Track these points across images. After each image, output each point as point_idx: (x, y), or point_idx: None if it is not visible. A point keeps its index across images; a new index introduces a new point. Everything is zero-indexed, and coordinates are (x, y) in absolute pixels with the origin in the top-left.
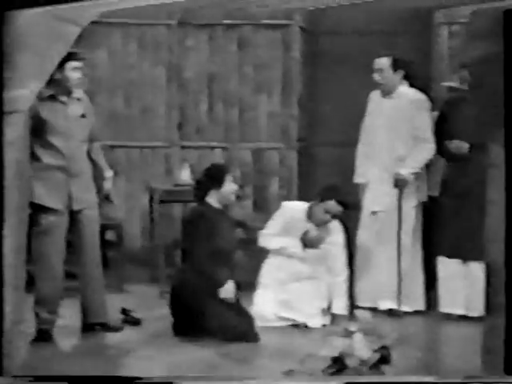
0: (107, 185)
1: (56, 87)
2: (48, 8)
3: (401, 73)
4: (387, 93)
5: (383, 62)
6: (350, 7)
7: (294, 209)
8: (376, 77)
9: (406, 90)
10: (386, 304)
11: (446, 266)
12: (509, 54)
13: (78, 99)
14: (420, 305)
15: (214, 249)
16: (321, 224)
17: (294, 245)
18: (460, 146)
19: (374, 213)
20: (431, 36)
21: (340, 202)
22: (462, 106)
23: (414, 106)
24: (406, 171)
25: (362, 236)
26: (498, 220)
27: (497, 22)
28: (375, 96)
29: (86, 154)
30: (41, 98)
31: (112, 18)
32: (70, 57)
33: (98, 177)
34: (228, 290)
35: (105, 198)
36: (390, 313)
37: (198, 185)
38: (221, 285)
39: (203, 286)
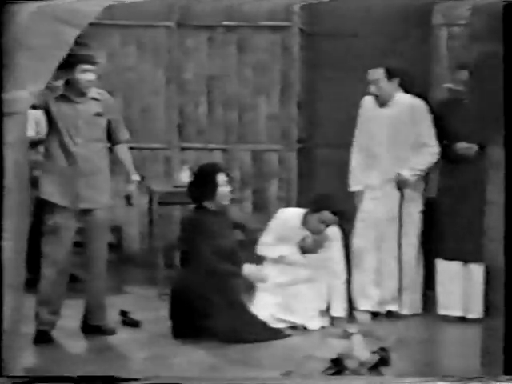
0: (130, 187)
1: (68, 88)
2: (47, 7)
3: (396, 81)
4: (384, 102)
5: (378, 73)
6: (349, 9)
7: (290, 216)
8: (372, 89)
9: (403, 98)
10: (386, 307)
11: (444, 268)
12: (509, 50)
13: (94, 98)
14: (418, 308)
15: (219, 248)
16: (316, 233)
17: (292, 252)
18: (469, 147)
19: (376, 220)
20: (430, 37)
21: (334, 211)
22: (460, 108)
23: (414, 113)
24: (407, 173)
25: (358, 242)
26: (498, 221)
27: (496, 20)
28: (370, 104)
29: (100, 153)
30: (54, 97)
31: (111, 19)
32: (81, 59)
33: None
34: (251, 269)
35: (126, 200)
36: (390, 315)
37: (192, 194)
38: (236, 274)
39: (207, 288)
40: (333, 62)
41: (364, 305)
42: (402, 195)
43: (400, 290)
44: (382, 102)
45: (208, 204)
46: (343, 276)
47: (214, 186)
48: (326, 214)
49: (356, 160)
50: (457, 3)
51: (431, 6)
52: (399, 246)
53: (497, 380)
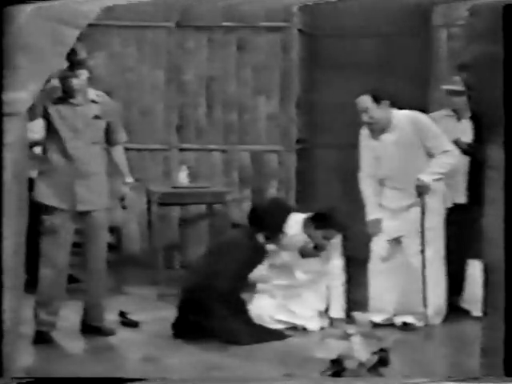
0: (125, 190)
1: (63, 90)
2: (46, 8)
3: (386, 103)
4: (383, 129)
5: (365, 101)
6: (348, 9)
7: (290, 224)
8: (364, 118)
9: (401, 118)
10: (402, 318)
11: (476, 268)
12: (509, 50)
13: (93, 101)
14: (439, 319)
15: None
16: (320, 246)
17: (293, 258)
18: (476, 145)
19: (396, 240)
20: (430, 38)
21: (336, 226)
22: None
23: (417, 130)
24: (427, 177)
25: (377, 260)
26: (498, 221)
27: (495, 20)
28: (367, 135)
29: (98, 155)
30: (52, 98)
31: (111, 20)
32: (72, 61)
33: (114, 180)
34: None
35: (120, 202)
36: (405, 327)
37: (252, 220)
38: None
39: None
40: (332, 63)
41: (378, 317)
42: (423, 199)
43: (424, 304)
44: (381, 129)
45: (260, 237)
46: (342, 277)
47: (279, 230)
48: (331, 232)
49: (367, 188)
50: (457, 3)
51: (431, 7)
52: (423, 260)
53: (497, 381)
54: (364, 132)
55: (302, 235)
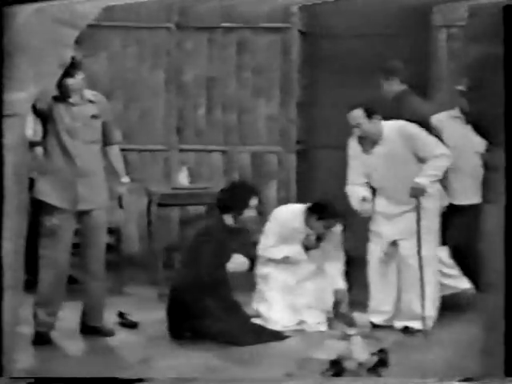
0: (121, 190)
1: (59, 90)
2: (45, 8)
3: (378, 117)
4: (375, 141)
5: (358, 116)
6: (348, 10)
7: (289, 216)
8: (357, 132)
9: (390, 131)
10: (403, 323)
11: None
12: (509, 51)
13: (90, 101)
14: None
15: (221, 265)
16: (321, 235)
17: (297, 252)
18: None
19: (393, 242)
20: (430, 38)
21: (336, 215)
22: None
23: (407, 139)
24: (424, 180)
25: (373, 261)
26: (498, 222)
27: (495, 21)
28: (357, 148)
29: (97, 155)
30: (54, 97)
31: (111, 21)
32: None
33: (112, 180)
34: (237, 262)
35: (118, 202)
36: (406, 331)
37: (219, 202)
38: (224, 279)
39: (204, 287)
40: (332, 63)
41: (377, 319)
42: (419, 202)
43: (423, 307)
44: (371, 142)
45: (228, 219)
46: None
47: (243, 206)
48: (331, 221)
49: (353, 188)
50: (456, 4)
51: (431, 7)
52: (420, 262)
53: (497, 381)
54: (353, 144)
55: (304, 227)
